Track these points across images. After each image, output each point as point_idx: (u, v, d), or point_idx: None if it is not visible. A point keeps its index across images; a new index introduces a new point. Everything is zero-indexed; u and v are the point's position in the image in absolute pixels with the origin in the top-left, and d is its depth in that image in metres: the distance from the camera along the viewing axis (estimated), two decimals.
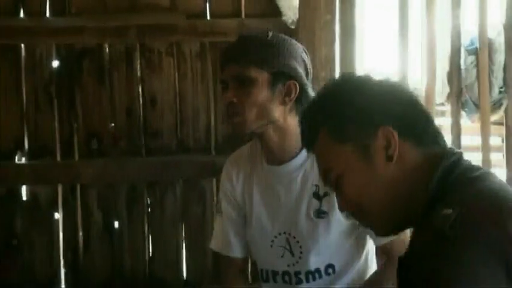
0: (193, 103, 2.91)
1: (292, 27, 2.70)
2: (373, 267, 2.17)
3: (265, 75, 1.99)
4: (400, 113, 1.35)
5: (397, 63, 2.82)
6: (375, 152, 1.31)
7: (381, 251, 2.11)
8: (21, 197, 2.86)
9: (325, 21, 2.60)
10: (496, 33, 4.19)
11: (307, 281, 2.12)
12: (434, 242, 1.24)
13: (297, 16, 2.66)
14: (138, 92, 2.85)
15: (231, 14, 2.84)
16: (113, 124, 2.85)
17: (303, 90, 2.05)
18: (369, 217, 1.38)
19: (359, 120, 1.32)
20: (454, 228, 1.20)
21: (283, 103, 2.01)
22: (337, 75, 2.71)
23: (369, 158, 1.31)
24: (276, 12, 2.77)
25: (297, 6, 2.65)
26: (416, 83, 3.75)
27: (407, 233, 1.90)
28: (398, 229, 1.47)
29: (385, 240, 2.00)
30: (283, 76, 2.01)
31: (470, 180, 1.28)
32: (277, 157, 2.10)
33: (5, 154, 2.81)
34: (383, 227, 1.41)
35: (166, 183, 2.88)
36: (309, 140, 1.44)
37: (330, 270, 2.12)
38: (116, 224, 2.87)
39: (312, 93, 2.08)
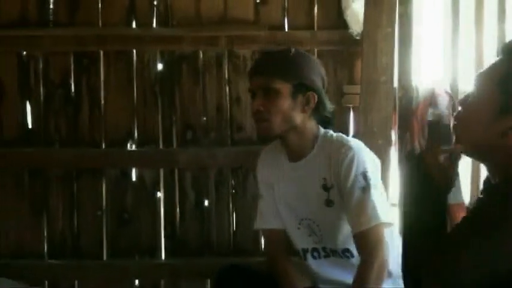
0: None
1: (358, 38, 2.76)
2: (393, 256, 2.12)
3: (288, 86, 2.09)
4: None
5: (449, 72, 2.76)
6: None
7: (357, 240, 2.08)
8: (131, 178, 2.96)
9: (386, 33, 2.65)
10: None
11: (334, 255, 2.20)
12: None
13: (362, 29, 2.71)
14: (226, 91, 2.92)
15: (305, 27, 2.88)
16: (205, 118, 2.93)
17: (320, 100, 2.13)
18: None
19: None
20: None
21: (303, 111, 2.11)
22: (395, 80, 2.73)
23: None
24: (344, 25, 2.81)
25: (362, 20, 2.69)
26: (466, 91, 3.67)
27: (382, 234, 2.04)
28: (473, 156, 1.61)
29: (363, 227, 2.05)
30: (303, 88, 2.10)
31: None
32: (296, 155, 2.18)
33: (118, 142, 2.92)
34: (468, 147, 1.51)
35: (247, 169, 2.92)
36: None
37: (348, 254, 2.17)
38: (206, 202, 2.96)
39: (327, 102, 2.17)
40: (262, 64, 2.18)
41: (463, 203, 2.67)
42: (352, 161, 2.07)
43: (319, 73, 2.16)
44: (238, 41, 2.87)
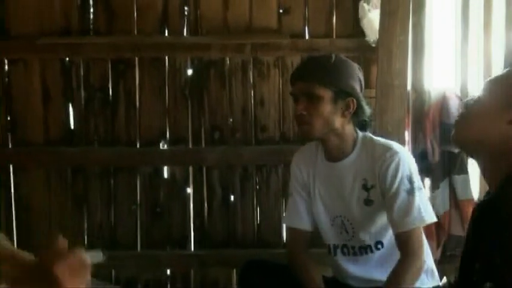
0: (293, 104, 2.73)
1: (373, 45, 2.76)
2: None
3: (329, 93, 2.08)
4: None
5: (459, 77, 2.80)
6: (504, 113, 1.43)
7: (400, 240, 2.07)
8: (163, 175, 2.98)
9: (399, 41, 2.65)
10: None
11: (361, 254, 2.19)
12: None
13: (377, 37, 2.71)
14: (251, 95, 2.94)
15: (325, 35, 2.88)
16: (231, 119, 2.94)
17: (359, 105, 2.12)
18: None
19: None
20: None
21: (343, 116, 2.10)
22: (408, 84, 2.74)
23: (502, 114, 1.43)
24: (361, 33, 2.81)
25: (377, 29, 2.70)
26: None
27: (422, 234, 2.04)
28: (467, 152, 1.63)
29: (406, 227, 2.03)
30: (343, 94, 2.09)
31: None
32: (334, 156, 2.16)
33: (152, 142, 2.94)
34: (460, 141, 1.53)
35: (271, 167, 2.95)
36: None
37: (380, 246, 2.16)
38: (232, 198, 2.98)
39: (365, 107, 2.15)
40: (305, 70, 2.16)
41: (473, 199, 2.78)
42: (398, 165, 2.06)
43: (358, 79, 2.14)
44: (262, 49, 2.89)
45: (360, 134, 2.17)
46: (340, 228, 2.20)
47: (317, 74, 2.09)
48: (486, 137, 1.47)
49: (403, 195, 2.05)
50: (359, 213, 2.15)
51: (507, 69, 1.59)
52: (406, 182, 2.06)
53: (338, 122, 2.10)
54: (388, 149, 2.11)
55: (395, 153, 2.08)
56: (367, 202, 2.14)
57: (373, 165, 2.11)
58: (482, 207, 1.47)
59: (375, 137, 2.19)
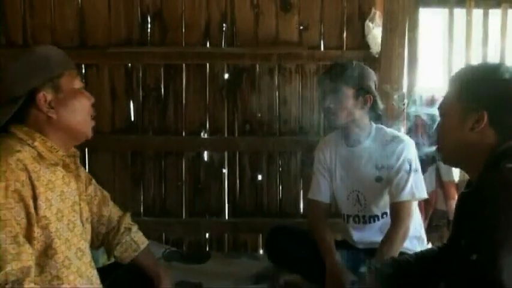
0: (310, 103, 2.99)
1: (376, 56, 2.83)
2: (414, 222, 2.19)
3: (352, 91, 2.18)
4: (502, 108, 1.38)
5: (445, 82, 2.78)
6: (467, 121, 1.42)
7: (393, 208, 2.14)
8: (204, 158, 3.07)
9: (398, 52, 2.73)
10: None
11: (369, 222, 2.26)
12: (500, 183, 1.30)
13: (380, 49, 2.80)
14: (275, 95, 3.01)
15: (337, 47, 2.95)
16: (259, 115, 3.01)
17: (374, 101, 2.23)
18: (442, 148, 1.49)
19: (474, 101, 1.40)
20: None
21: (362, 109, 2.20)
22: (404, 89, 2.78)
23: (464, 121, 1.41)
24: (366, 46, 2.88)
25: (380, 43, 2.79)
26: None
27: (412, 207, 2.10)
28: (456, 166, 1.65)
29: (399, 198, 2.11)
30: (363, 91, 2.21)
31: None
32: (353, 142, 2.24)
33: (194, 131, 3.04)
34: (446, 158, 1.52)
35: (291, 153, 3.02)
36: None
37: (384, 215, 2.24)
38: (259, 177, 3.06)
39: (379, 102, 2.23)
40: (333, 73, 2.20)
41: (454, 181, 2.85)
42: (402, 150, 2.14)
43: (373, 80, 2.23)
44: (285, 58, 2.95)
45: (374, 125, 2.25)
46: (355, 201, 2.26)
47: (343, 76, 2.16)
48: (458, 147, 1.46)
49: (402, 173, 2.13)
50: (371, 188, 2.21)
51: (467, 65, 1.61)
52: (406, 164, 2.13)
53: (358, 114, 2.18)
54: (396, 137, 2.19)
55: (402, 141, 2.18)
56: (378, 179, 2.21)
57: (384, 150, 2.18)
58: (465, 195, 1.46)
59: (388, 129, 2.26)
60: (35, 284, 1.43)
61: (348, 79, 2.17)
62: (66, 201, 1.60)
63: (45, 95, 1.55)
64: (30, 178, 1.50)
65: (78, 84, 1.63)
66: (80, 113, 1.61)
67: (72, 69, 1.64)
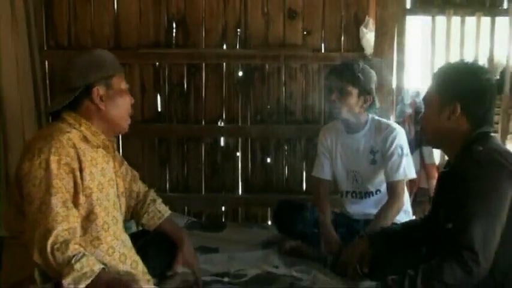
0: (313, 97, 3.04)
1: (370, 57, 2.86)
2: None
3: (356, 90, 2.25)
4: (472, 100, 1.41)
5: (428, 80, 2.54)
6: (444, 111, 1.47)
7: (389, 186, 2.21)
8: (220, 143, 3.12)
9: (388, 54, 2.81)
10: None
11: (365, 197, 2.34)
12: (471, 163, 1.35)
13: (372, 51, 2.85)
14: (283, 90, 3.05)
15: (336, 49, 2.99)
16: (269, 107, 3.07)
17: (373, 100, 2.31)
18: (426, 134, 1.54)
19: (449, 94, 1.44)
20: (482, 159, 1.33)
21: (362, 107, 2.28)
22: (393, 85, 2.85)
23: (442, 111, 1.47)
24: (361, 48, 2.94)
25: (373, 45, 2.84)
26: None
27: (404, 185, 2.18)
28: (437, 147, 1.67)
29: (394, 178, 2.19)
30: (365, 91, 2.26)
31: (491, 137, 1.46)
32: (352, 130, 2.32)
33: (212, 120, 3.08)
34: (429, 141, 1.57)
35: (296, 139, 3.07)
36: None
37: (378, 192, 2.32)
38: (268, 160, 3.12)
39: (377, 102, 2.29)
40: (339, 72, 2.24)
41: (435, 163, 2.93)
42: (395, 137, 2.22)
43: (374, 81, 2.27)
44: (291, 58, 2.99)
45: (370, 116, 2.32)
46: (353, 179, 2.35)
47: (348, 76, 2.22)
48: (438, 133, 1.54)
49: (395, 157, 2.21)
50: (366, 169, 2.30)
51: (447, 63, 1.67)
52: (398, 149, 2.22)
53: (357, 109, 2.27)
54: (389, 125, 2.27)
55: (394, 129, 2.25)
56: (373, 162, 2.29)
57: (378, 137, 2.25)
58: (444, 173, 1.55)
59: (381, 119, 2.34)
60: (79, 245, 1.52)
61: (354, 80, 2.22)
62: (106, 176, 1.70)
63: (99, 90, 1.66)
64: (77, 154, 1.60)
65: (124, 85, 1.75)
66: (123, 109, 1.71)
67: (122, 72, 1.76)
